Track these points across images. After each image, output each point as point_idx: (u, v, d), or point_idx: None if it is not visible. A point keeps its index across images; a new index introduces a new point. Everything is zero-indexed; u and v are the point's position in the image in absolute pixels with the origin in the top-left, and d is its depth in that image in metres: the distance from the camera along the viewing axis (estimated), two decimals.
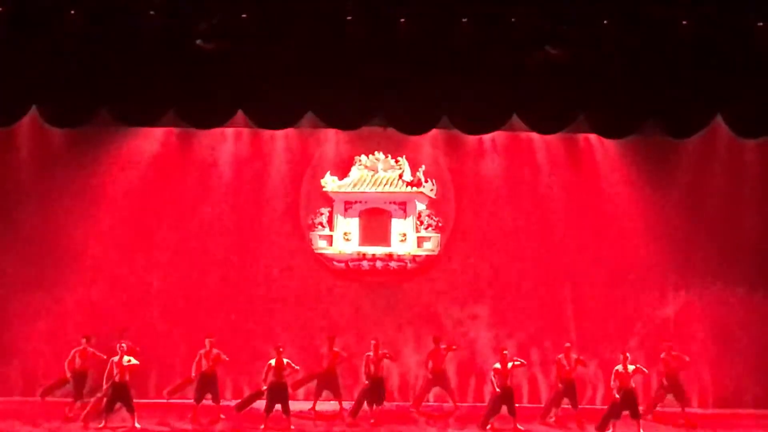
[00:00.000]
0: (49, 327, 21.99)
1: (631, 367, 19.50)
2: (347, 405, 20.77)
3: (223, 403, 20.52)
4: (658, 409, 20.97)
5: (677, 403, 20.87)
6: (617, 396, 19.41)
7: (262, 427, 19.36)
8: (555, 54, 18.72)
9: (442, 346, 21.26)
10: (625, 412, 19.41)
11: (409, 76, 18.96)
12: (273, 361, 19.60)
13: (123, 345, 19.43)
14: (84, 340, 20.31)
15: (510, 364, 19.74)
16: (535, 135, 21.92)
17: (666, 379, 20.86)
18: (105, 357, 20.01)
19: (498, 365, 19.79)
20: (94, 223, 22.51)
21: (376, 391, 20.42)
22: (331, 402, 21.10)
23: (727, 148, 22.20)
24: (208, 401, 20.18)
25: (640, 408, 19.75)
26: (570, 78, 18.94)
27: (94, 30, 18.49)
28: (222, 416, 20.20)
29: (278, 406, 19.46)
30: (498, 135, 22.21)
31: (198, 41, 18.65)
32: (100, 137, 22.13)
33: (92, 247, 22.49)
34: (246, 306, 22.70)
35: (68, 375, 20.17)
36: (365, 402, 20.40)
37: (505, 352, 19.99)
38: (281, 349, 19.69)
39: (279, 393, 19.51)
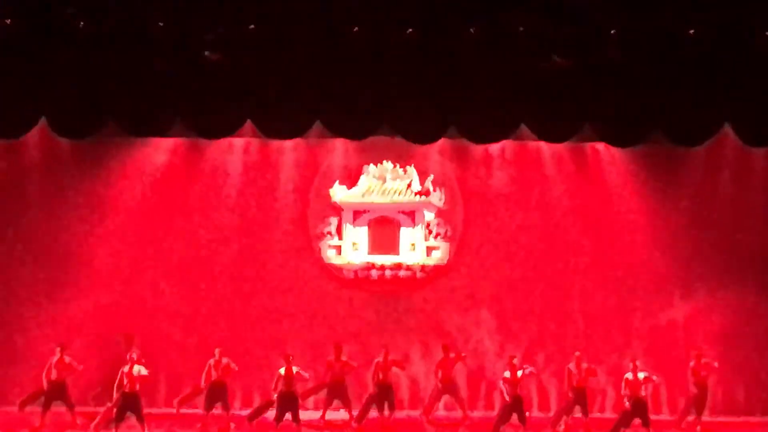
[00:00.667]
0: (57, 335, 21.81)
1: (641, 375, 19.46)
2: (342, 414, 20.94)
3: (232, 412, 20.53)
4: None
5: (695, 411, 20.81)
6: (627, 404, 19.40)
7: None
8: (562, 63, 18.74)
9: (452, 355, 21.26)
10: (637, 421, 19.44)
11: (416, 85, 19.00)
12: (282, 370, 19.61)
13: (133, 355, 19.44)
14: (58, 350, 20.14)
15: (519, 373, 19.73)
16: (542, 144, 21.95)
17: (695, 386, 20.77)
18: (80, 368, 20.09)
19: (507, 374, 19.78)
20: (103, 234, 22.56)
21: (384, 398, 20.52)
22: (341, 411, 21.09)
23: (735, 155, 22.19)
24: (217, 411, 20.21)
25: (672, 416, 19.74)
26: (577, 87, 18.97)
27: (102, 41, 18.53)
28: (232, 425, 20.21)
29: (288, 416, 19.50)
30: (506, 144, 22.26)
31: (206, 52, 18.69)
32: (109, 148, 22.17)
33: (101, 257, 22.54)
34: (255, 315, 22.72)
35: (45, 386, 20.02)
36: (371, 409, 20.49)
37: (514, 361, 19.94)
38: (291, 358, 19.73)
39: (289, 402, 19.49)
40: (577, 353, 20.49)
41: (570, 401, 20.39)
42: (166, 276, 22.77)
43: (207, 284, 22.78)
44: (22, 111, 19.20)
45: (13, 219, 22.40)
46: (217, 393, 20.11)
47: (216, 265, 22.82)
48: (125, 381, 19.14)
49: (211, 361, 20.16)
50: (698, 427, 20.55)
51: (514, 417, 19.64)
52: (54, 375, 20.01)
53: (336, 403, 21.02)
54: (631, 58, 18.78)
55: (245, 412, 20.72)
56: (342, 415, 21.00)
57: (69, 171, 22.45)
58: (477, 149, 22.52)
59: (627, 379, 19.50)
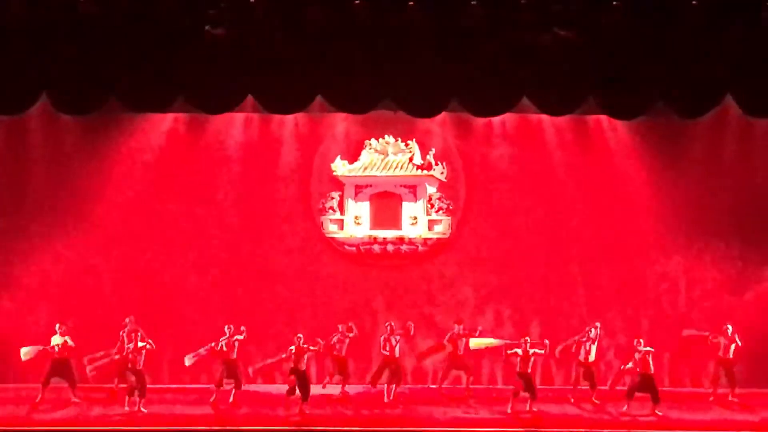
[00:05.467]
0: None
1: (643, 350, 19.73)
2: (350, 387, 21.30)
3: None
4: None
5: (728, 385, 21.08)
6: (632, 374, 19.90)
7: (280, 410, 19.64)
8: (564, 35, 18.68)
9: (459, 329, 21.29)
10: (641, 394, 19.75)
11: (418, 59, 18.90)
12: (293, 348, 19.74)
13: (138, 333, 19.71)
14: (57, 327, 20.32)
15: (531, 351, 19.94)
16: (545, 117, 21.87)
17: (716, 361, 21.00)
18: (73, 345, 20.23)
19: (519, 351, 19.94)
20: (104, 209, 22.49)
21: (390, 371, 20.72)
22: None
23: (737, 127, 22.11)
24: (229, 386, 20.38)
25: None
26: (579, 59, 18.88)
27: (103, 16, 18.44)
28: (230, 400, 20.25)
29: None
30: (508, 117, 22.13)
31: (207, 27, 18.62)
32: (111, 124, 22.03)
33: (101, 233, 22.52)
34: (257, 290, 22.73)
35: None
36: (378, 381, 20.90)
37: (526, 339, 20.15)
38: (299, 338, 19.83)
39: (298, 380, 19.61)
40: (587, 328, 20.71)
41: (577, 375, 20.56)
42: (167, 252, 22.73)
43: (208, 259, 22.77)
44: (23, 87, 19.06)
45: (15, 197, 22.34)
46: (229, 369, 20.23)
47: (218, 240, 22.79)
48: (129, 357, 19.44)
49: (223, 339, 20.25)
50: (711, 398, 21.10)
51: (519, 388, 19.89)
52: (57, 353, 20.14)
53: (336, 378, 21.26)
54: (633, 30, 18.71)
55: (248, 388, 20.91)
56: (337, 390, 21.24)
57: (71, 147, 22.34)
58: (479, 123, 22.46)
59: (634, 359, 19.81)
